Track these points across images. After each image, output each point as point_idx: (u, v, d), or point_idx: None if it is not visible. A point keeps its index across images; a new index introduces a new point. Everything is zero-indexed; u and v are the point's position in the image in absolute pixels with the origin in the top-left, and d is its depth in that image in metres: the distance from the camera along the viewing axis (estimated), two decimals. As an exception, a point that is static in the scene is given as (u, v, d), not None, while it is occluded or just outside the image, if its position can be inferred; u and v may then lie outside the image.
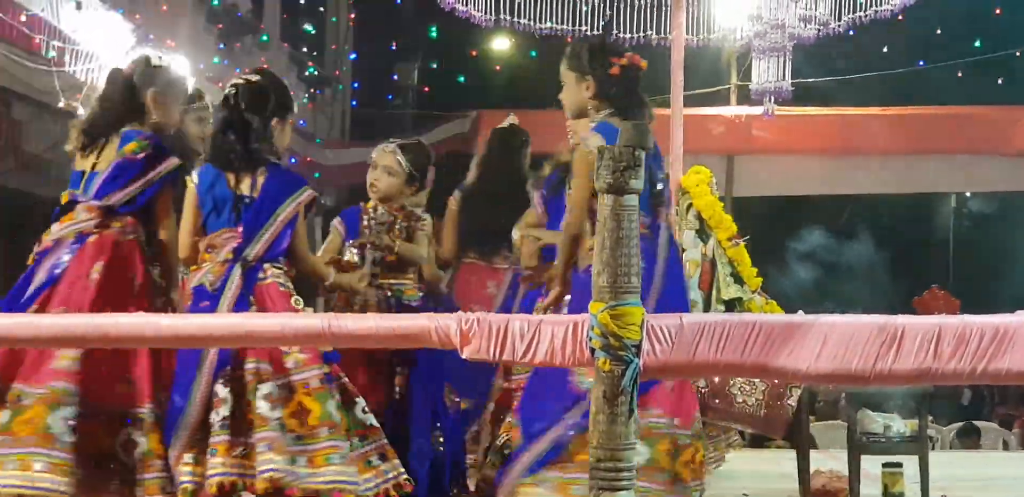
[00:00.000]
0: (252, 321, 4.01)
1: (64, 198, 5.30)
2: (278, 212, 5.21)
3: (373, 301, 5.98)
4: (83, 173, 5.32)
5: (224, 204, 5.23)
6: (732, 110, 14.55)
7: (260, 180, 5.27)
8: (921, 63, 17.61)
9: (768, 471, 7.98)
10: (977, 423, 11.60)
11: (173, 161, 5.32)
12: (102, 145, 5.31)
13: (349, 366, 5.33)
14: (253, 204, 5.23)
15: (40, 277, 5.12)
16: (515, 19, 9.11)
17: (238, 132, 5.29)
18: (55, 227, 5.23)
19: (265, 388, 4.94)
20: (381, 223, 6.15)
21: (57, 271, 5.10)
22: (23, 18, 9.56)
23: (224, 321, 4.07)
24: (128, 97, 5.39)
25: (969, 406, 15.62)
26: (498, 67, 20.53)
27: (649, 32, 9.35)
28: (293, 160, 15.43)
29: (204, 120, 6.04)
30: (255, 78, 5.39)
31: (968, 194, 22.21)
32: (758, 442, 9.29)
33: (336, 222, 6.28)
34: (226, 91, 5.36)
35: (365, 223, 6.15)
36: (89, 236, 5.17)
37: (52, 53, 9.55)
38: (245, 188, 5.26)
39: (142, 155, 5.26)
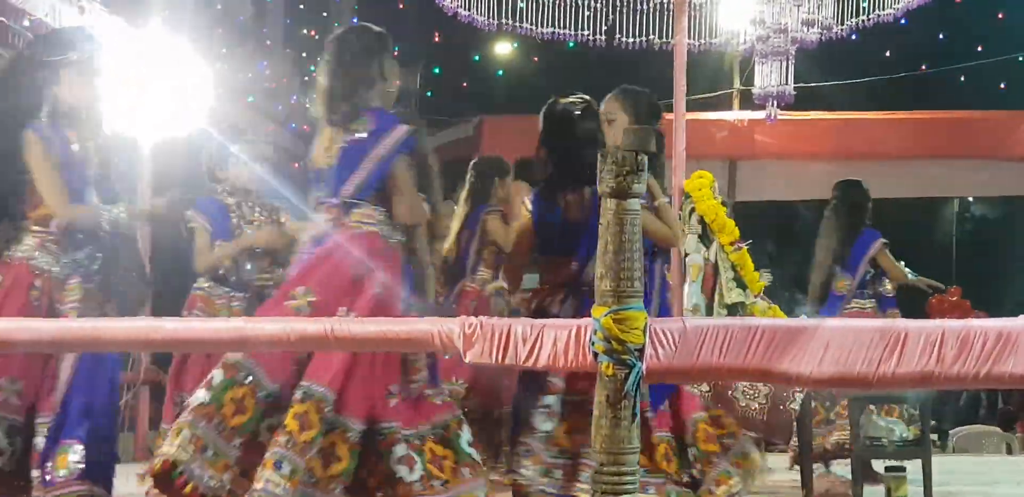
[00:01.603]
0: (253, 325, 4.00)
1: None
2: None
3: None
4: None
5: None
6: (735, 115, 14.54)
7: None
8: (924, 68, 17.60)
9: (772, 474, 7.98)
10: (980, 427, 11.60)
11: None
12: None
13: None
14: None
15: None
16: (517, 24, 9.11)
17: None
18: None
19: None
20: None
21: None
22: (26, 23, 9.56)
23: (226, 325, 4.07)
24: None
25: (966, 409, 15.62)
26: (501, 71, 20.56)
27: (652, 36, 9.35)
28: (296, 165, 15.43)
29: (261, 156, 5.90)
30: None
31: (971, 199, 22.21)
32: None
33: None
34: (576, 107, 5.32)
35: None
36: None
37: (55, 58, 9.55)
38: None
39: None
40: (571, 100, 5.42)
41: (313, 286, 4.79)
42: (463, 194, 7.87)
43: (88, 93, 5.14)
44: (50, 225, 5.03)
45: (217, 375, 4.62)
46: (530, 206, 5.40)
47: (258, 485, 4.40)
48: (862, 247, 8.50)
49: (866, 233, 8.55)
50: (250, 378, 4.59)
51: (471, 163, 8.05)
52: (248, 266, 5.66)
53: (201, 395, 4.60)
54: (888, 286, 8.57)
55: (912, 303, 9.10)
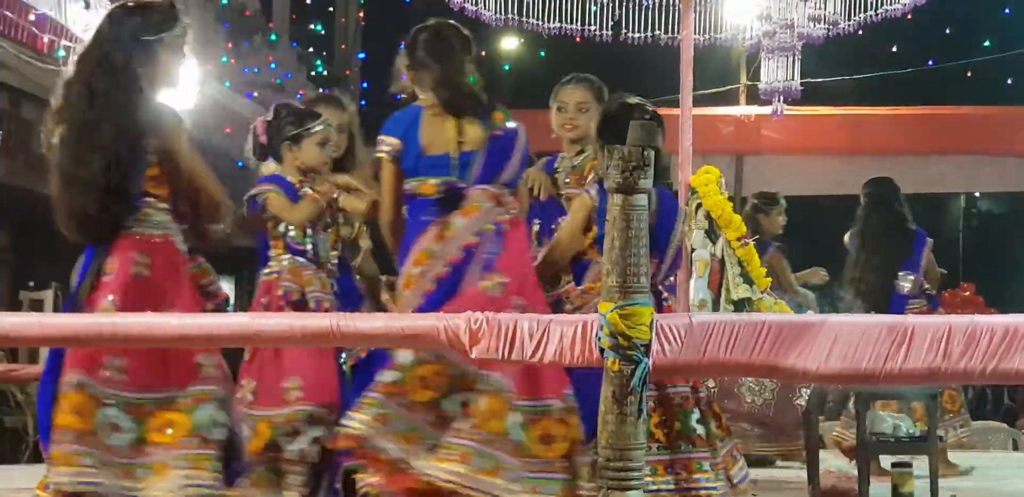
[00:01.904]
0: (260, 321, 4.01)
1: (430, 188, 5.07)
2: None
3: None
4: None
5: None
6: (741, 110, 14.53)
7: None
8: (931, 63, 17.58)
9: (777, 471, 7.98)
10: (986, 423, 11.59)
11: None
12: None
13: None
14: None
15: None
16: (524, 19, 9.09)
17: None
18: (461, 220, 5.03)
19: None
20: None
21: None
22: (31, 18, 9.58)
23: (232, 321, 4.08)
24: None
25: (971, 405, 15.61)
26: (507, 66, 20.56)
27: (658, 32, 9.34)
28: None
29: (327, 143, 5.83)
30: None
31: (977, 194, 22.21)
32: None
33: None
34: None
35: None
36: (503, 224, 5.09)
37: (61, 53, 9.56)
38: None
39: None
40: (638, 101, 5.47)
41: (503, 268, 4.96)
42: None
43: (177, 72, 5.03)
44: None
45: (404, 355, 4.69)
46: (596, 196, 5.34)
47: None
48: (920, 245, 8.48)
49: (919, 231, 8.56)
50: (439, 356, 4.67)
51: None
52: (322, 241, 5.66)
53: (388, 375, 4.70)
54: (927, 285, 8.58)
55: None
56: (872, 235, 8.52)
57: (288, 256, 5.53)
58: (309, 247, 5.56)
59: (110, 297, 4.56)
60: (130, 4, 4.82)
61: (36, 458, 8.37)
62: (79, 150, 4.67)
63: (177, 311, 4.43)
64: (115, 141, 4.65)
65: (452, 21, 5.47)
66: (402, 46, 5.43)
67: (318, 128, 5.65)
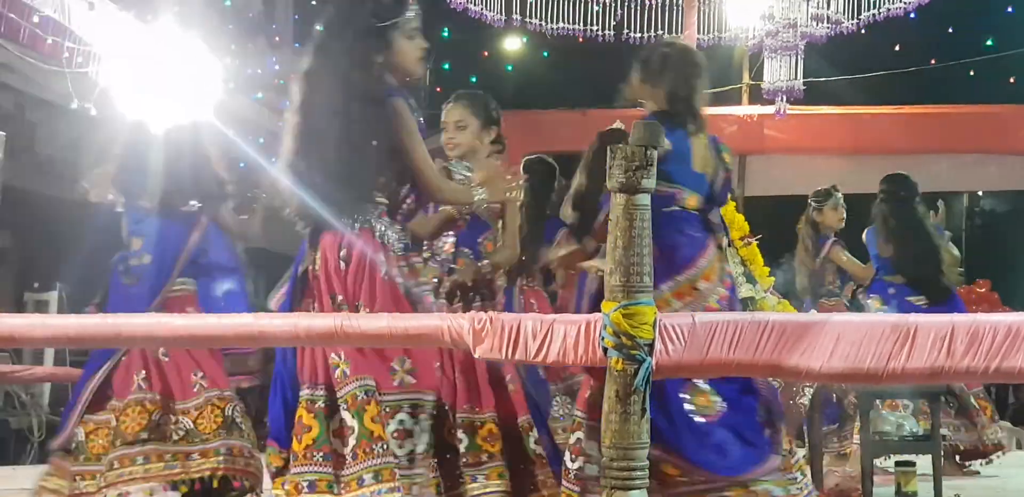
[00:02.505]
0: (263, 321, 4.01)
1: (694, 202, 5.20)
2: None
3: None
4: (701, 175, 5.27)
5: None
6: (744, 109, 14.54)
7: None
8: (933, 62, 17.57)
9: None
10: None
11: None
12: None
13: None
14: None
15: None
16: (527, 19, 9.13)
17: None
18: (723, 244, 5.24)
19: None
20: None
21: None
22: (35, 20, 9.58)
23: (236, 321, 4.08)
24: None
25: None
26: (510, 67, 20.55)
27: (661, 31, 9.37)
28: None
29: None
30: None
31: (980, 193, 22.20)
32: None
33: None
34: None
35: None
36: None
37: (65, 54, 9.57)
38: None
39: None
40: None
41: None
42: None
43: (415, 58, 4.88)
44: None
45: None
46: None
47: None
48: (941, 238, 8.57)
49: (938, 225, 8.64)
50: None
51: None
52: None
53: None
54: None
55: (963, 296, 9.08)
56: (901, 229, 8.46)
57: None
58: None
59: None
60: None
61: (41, 459, 8.39)
62: (319, 143, 4.55)
63: (372, 309, 4.34)
64: (357, 134, 4.55)
65: (685, 43, 5.59)
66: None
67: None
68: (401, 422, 4.46)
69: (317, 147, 4.58)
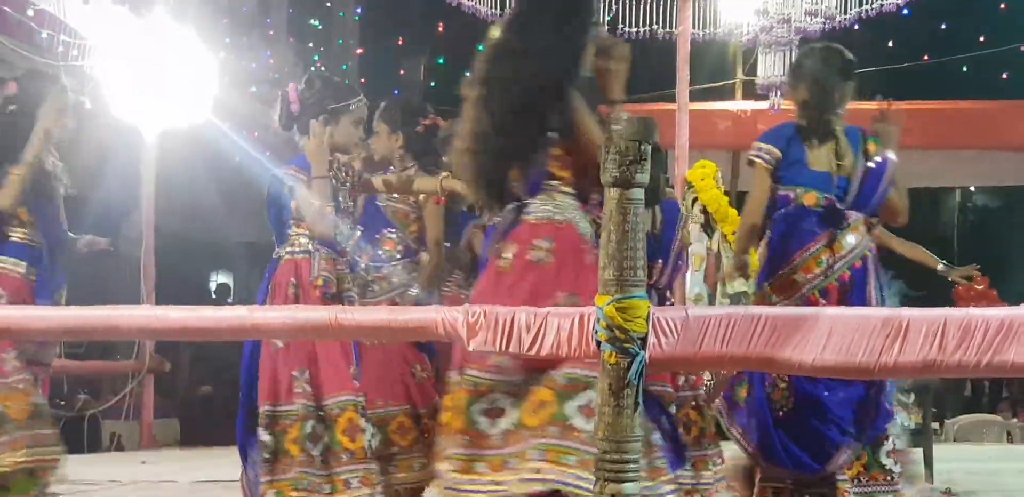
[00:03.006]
0: (258, 314, 4.02)
1: (812, 199, 5.30)
2: None
3: None
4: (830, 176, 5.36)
5: None
6: (738, 105, 14.53)
7: None
8: (926, 58, 17.58)
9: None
10: (982, 416, 11.61)
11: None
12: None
13: None
14: None
15: None
16: (521, 14, 9.10)
17: None
18: (851, 239, 5.27)
19: None
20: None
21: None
22: (30, 13, 9.59)
23: (230, 314, 4.08)
24: None
25: (971, 398, 15.64)
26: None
27: (655, 26, 9.37)
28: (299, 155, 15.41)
29: (361, 123, 5.69)
30: None
31: (973, 188, 22.21)
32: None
33: None
34: None
35: None
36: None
37: (59, 47, 9.57)
38: None
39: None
40: None
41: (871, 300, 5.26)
42: None
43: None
44: None
45: None
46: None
47: None
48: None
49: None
50: None
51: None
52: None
53: None
54: None
55: (940, 291, 9.08)
56: None
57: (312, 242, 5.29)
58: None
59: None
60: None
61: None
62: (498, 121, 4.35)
63: (583, 300, 4.00)
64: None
65: (838, 46, 5.60)
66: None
67: (358, 106, 5.47)
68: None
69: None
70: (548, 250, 4.25)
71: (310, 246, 5.23)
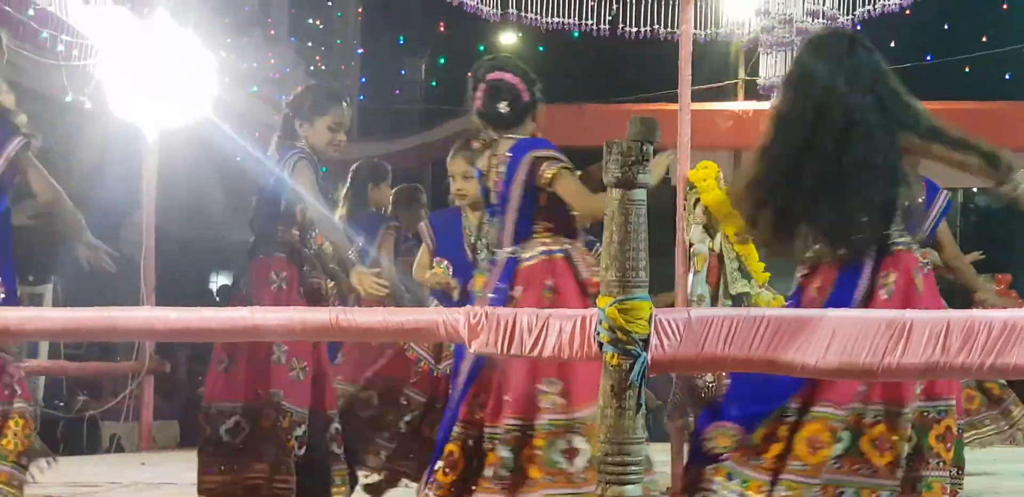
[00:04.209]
0: (259, 315, 4.01)
1: None
2: None
3: None
4: None
5: None
6: (740, 105, 14.53)
7: None
8: (928, 58, 17.57)
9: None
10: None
11: None
12: None
13: None
14: None
15: None
16: (522, 13, 9.09)
17: None
18: None
19: None
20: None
21: None
22: (31, 12, 9.57)
23: (231, 315, 4.08)
24: None
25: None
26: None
27: (656, 26, 9.33)
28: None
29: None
30: None
31: (975, 190, 22.19)
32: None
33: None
34: None
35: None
36: None
37: (60, 47, 9.56)
38: None
39: None
40: None
41: None
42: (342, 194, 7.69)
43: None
44: None
45: None
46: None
47: None
48: None
49: None
50: None
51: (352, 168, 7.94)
52: None
53: None
54: None
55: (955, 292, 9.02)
56: None
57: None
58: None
59: None
60: None
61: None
62: None
63: None
64: None
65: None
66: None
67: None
68: None
69: None
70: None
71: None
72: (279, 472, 5.47)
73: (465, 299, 5.51)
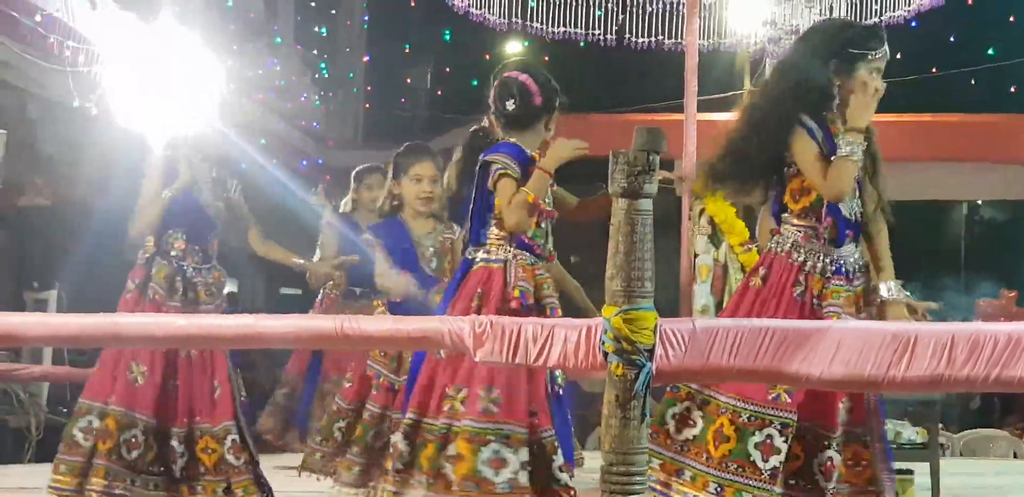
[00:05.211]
0: (263, 323, 4.01)
1: None
2: None
3: None
4: None
5: None
6: (745, 116, 14.49)
7: None
8: (934, 70, 17.57)
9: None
10: (989, 431, 11.56)
11: None
12: None
13: None
14: None
15: None
16: (528, 23, 9.10)
17: None
18: None
19: None
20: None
21: None
22: (38, 18, 9.58)
23: (236, 322, 4.08)
24: None
25: (979, 413, 15.56)
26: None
27: (662, 37, 9.34)
28: (304, 163, 15.44)
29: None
30: None
31: (980, 202, 22.18)
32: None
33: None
34: None
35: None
36: None
37: (67, 53, 9.57)
38: None
39: None
40: None
41: None
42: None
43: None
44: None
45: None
46: None
47: None
48: None
49: None
50: None
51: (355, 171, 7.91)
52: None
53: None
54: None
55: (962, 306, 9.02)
56: None
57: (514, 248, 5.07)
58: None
59: None
60: None
61: (41, 458, 8.38)
62: None
63: None
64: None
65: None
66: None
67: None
68: None
69: None
70: None
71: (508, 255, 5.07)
72: (116, 478, 5.62)
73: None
